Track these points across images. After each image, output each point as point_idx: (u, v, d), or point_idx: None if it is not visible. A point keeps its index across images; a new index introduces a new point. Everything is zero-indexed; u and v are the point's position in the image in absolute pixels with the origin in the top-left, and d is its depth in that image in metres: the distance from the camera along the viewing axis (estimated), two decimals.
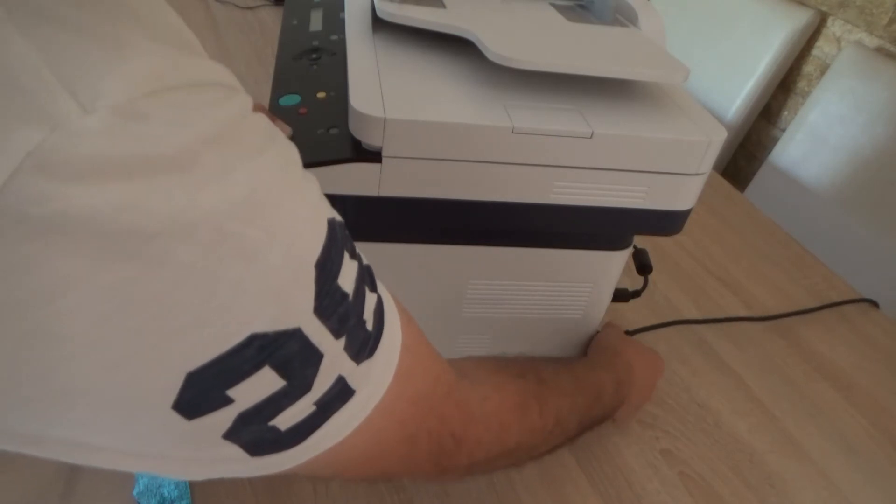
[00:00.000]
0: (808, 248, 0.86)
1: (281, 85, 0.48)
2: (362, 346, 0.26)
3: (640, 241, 0.55)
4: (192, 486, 0.52)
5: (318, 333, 0.24)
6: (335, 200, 0.43)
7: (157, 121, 0.18)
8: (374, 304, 0.27)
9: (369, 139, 0.40)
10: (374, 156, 0.41)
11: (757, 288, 0.78)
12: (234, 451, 0.24)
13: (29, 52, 0.17)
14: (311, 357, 0.24)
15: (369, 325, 0.26)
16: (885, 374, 0.69)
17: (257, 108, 0.43)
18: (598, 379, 0.50)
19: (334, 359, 0.24)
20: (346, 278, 0.25)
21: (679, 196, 0.46)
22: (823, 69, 1.31)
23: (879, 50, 1.22)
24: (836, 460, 0.59)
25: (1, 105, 0.16)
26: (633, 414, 0.59)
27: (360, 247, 0.51)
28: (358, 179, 0.42)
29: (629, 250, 0.53)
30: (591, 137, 0.42)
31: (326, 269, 0.24)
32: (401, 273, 0.50)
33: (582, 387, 0.47)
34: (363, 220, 0.45)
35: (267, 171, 0.22)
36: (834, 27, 1.30)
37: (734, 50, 1.37)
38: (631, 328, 0.68)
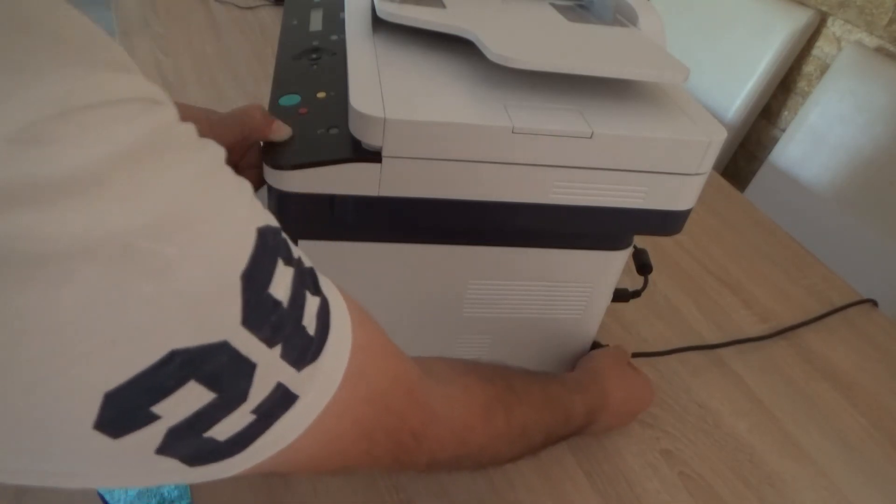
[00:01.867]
0: (808, 248, 0.86)
1: (281, 85, 0.48)
2: (302, 351, 0.26)
3: (640, 241, 0.55)
4: (193, 485, 0.52)
5: (248, 344, 0.23)
6: (335, 200, 0.43)
7: (60, 143, 0.18)
8: (316, 308, 0.27)
9: (369, 139, 0.40)
10: (374, 156, 0.41)
11: (757, 288, 0.78)
12: (172, 463, 0.23)
13: None
14: (243, 368, 0.23)
15: (311, 330, 0.26)
16: (885, 375, 0.69)
17: (255, 108, 0.43)
18: (570, 402, 0.50)
19: (269, 367, 0.24)
20: (280, 286, 0.25)
21: (679, 196, 0.46)
22: (823, 69, 1.31)
23: (879, 50, 1.22)
24: (836, 460, 0.59)
25: None
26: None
27: (361, 247, 0.51)
28: (358, 179, 0.42)
29: (629, 250, 0.53)
30: (591, 137, 0.42)
31: (254, 279, 0.23)
32: (401, 273, 0.50)
33: (552, 406, 0.47)
34: (363, 220, 0.45)
35: (188, 184, 0.22)
36: (834, 27, 1.30)
37: (734, 50, 1.37)
38: (648, 348, 0.68)
